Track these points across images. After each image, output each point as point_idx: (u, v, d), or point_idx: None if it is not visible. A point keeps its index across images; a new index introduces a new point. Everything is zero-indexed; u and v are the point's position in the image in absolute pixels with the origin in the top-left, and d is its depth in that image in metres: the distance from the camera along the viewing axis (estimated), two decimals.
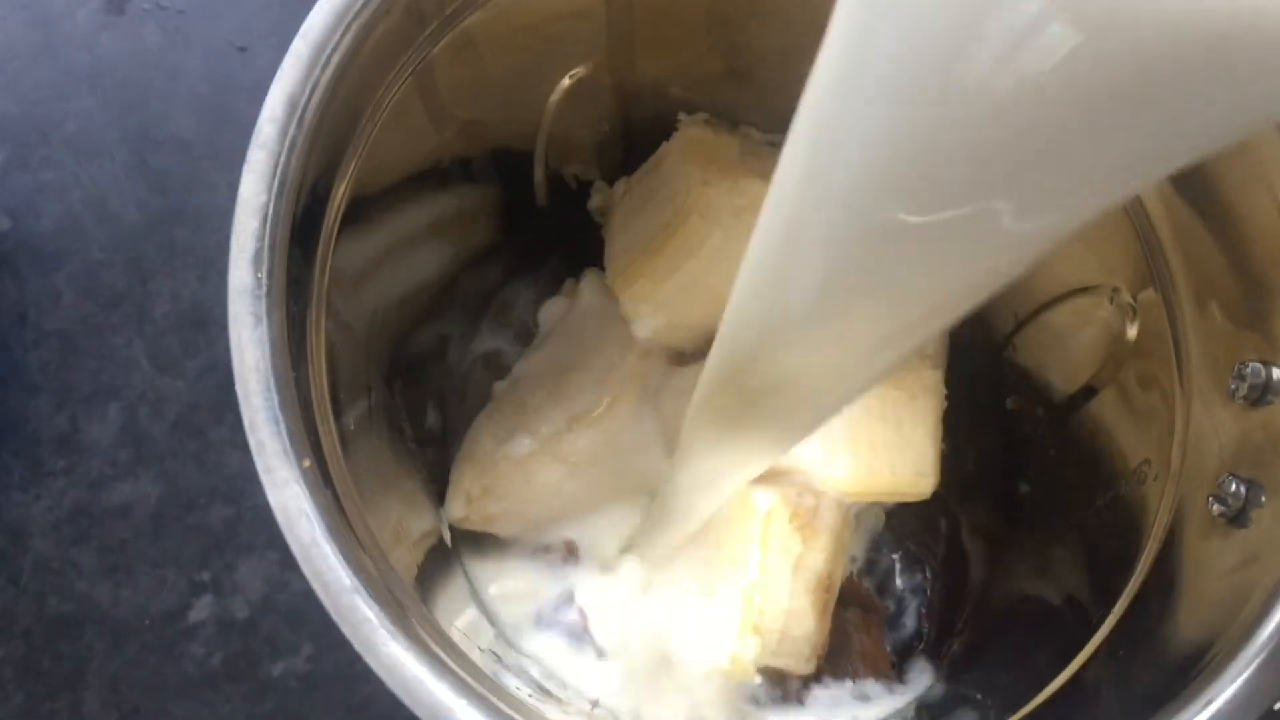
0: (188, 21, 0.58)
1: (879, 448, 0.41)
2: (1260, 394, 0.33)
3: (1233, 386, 0.34)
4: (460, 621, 0.39)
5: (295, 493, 0.28)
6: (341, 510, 0.30)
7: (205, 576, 0.53)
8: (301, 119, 0.30)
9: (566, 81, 0.42)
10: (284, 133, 0.30)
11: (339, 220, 0.33)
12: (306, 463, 0.29)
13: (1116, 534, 0.39)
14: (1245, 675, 0.28)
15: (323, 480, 0.29)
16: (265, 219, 0.30)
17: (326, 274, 0.33)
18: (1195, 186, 0.35)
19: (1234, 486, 0.33)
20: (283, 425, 0.29)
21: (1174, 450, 0.37)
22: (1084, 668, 0.35)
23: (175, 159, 0.57)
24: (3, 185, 0.56)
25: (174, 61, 0.57)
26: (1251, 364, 0.33)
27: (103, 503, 0.53)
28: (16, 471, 0.53)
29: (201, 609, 0.53)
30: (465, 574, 0.44)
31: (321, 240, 0.32)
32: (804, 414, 0.31)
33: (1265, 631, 0.28)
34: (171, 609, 0.53)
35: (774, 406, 0.30)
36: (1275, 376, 0.32)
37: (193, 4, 0.58)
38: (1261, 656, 0.28)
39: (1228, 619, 0.29)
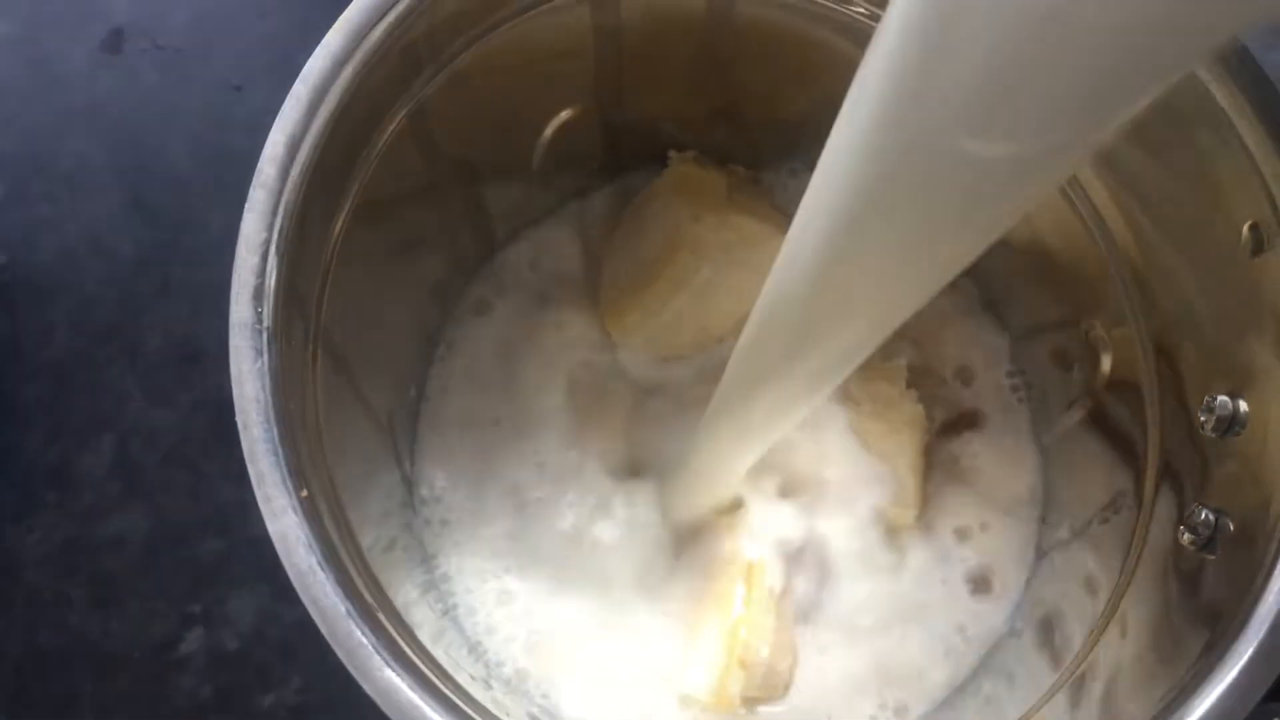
0: (184, 61, 0.59)
1: (862, 481, 0.43)
2: (1228, 426, 0.34)
3: (1202, 419, 0.35)
4: (446, 648, 0.40)
5: (293, 521, 0.29)
6: (334, 540, 0.30)
7: (196, 609, 0.53)
8: (301, 159, 0.31)
9: (557, 121, 0.43)
10: (284, 172, 0.31)
11: (335, 257, 0.34)
12: (304, 492, 0.30)
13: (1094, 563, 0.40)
14: (1213, 698, 0.28)
15: (317, 510, 0.30)
16: (265, 255, 0.31)
17: (324, 309, 0.34)
18: (1165, 222, 0.36)
19: (1204, 515, 0.34)
20: (281, 456, 0.30)
21: (1147, 482, 0.38)
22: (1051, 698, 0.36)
23: (170, 196, 0.57)
24: None
25: (170, 100, 0.58)
26: (1220, 397, 0.34)
27: (94, 535, 0.54)
28: (8, 503, 0.54)
29: (192, 641, 0.53)
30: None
31: (319, 276, 0.33)
32: (845, 357, 0.31)
33: (1234, 656, 0.29)
34: (162, 641, 0.53)
35: (821, 346, 0.31)
36: (1242, 409, 0.33)
37: (189, 44, 0.59)
38: (1230, 677, 0.28)
39: (1196, 646, 0.30)
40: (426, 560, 0.43)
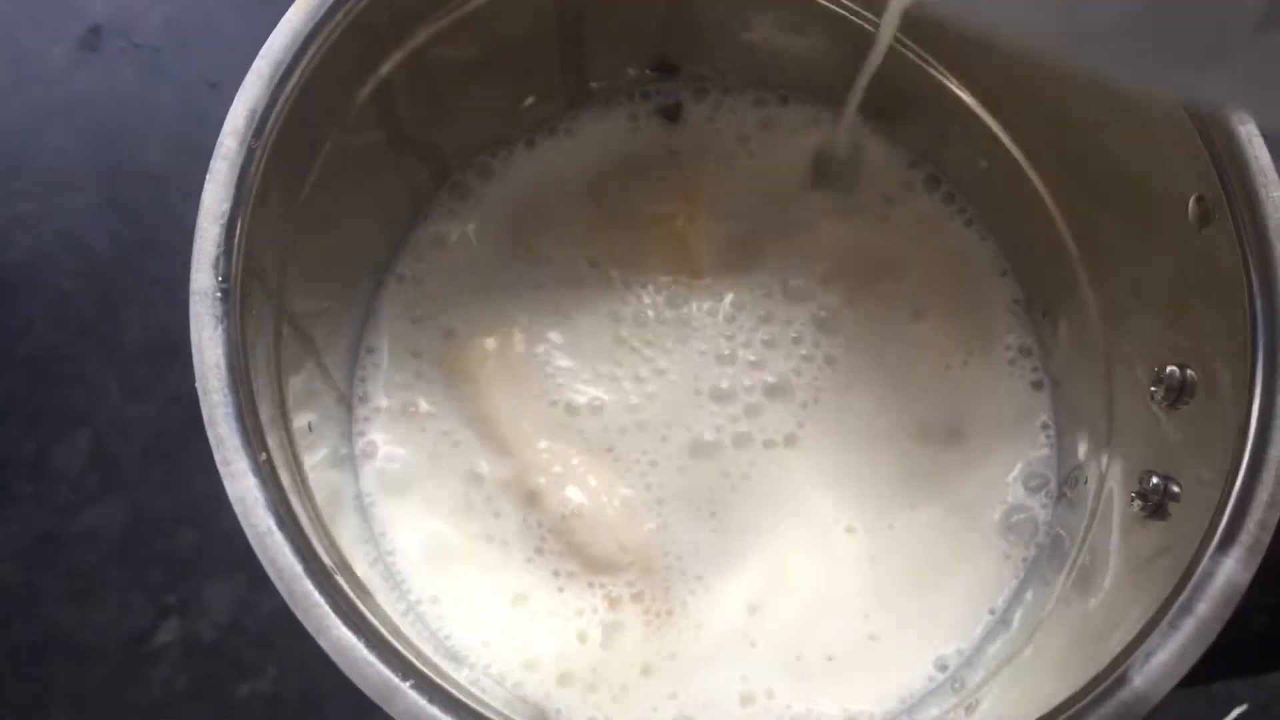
0: (161, 59, 0.59)
1: None
2: (1176, 396, 0.35)
3: (1153, 389, 0.36)
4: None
5: (251, 484, 0.30)
6: (292, 503, 0.31)
7: (171, 600, 0.54)
8: (261, 132, 0.32)
9: (523, 105, 0.44)
10: (244, 144, 0.32)
11: (297, 228, 0.35)
12: (263, 456, 0.30)
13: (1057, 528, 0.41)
14: (1160, 656, 0.29)
15: (276, 474, 0.30)
16: (225, 226, 0.31)
17: (285, 278, 0.34)
18: (1115, 195, 0.37)
19: (1154, 482, 0.35)
20: (239, 421, 0.30)
21: (1103, 452, 0.39)
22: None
23: (147, 192, 0.58)
24: None
25: (147, 97, 0.59)
26: (1169, 367, 0.35)
27: (70, 528, 0.54)
28: None
29: (167, 632, 0.53)
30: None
31: (278, 246, 0.34)
32: None
33: (1178, 615, 0.29)
34: (137, 632, 0.53)
35: None
36: (1190, 379, 0.34)
37: (167, 42, 0.59)
38: (1176, 637, 0.29)
39: (1147, 603, 0.31)
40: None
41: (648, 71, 0.45)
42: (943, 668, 0.40)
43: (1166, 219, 0.34)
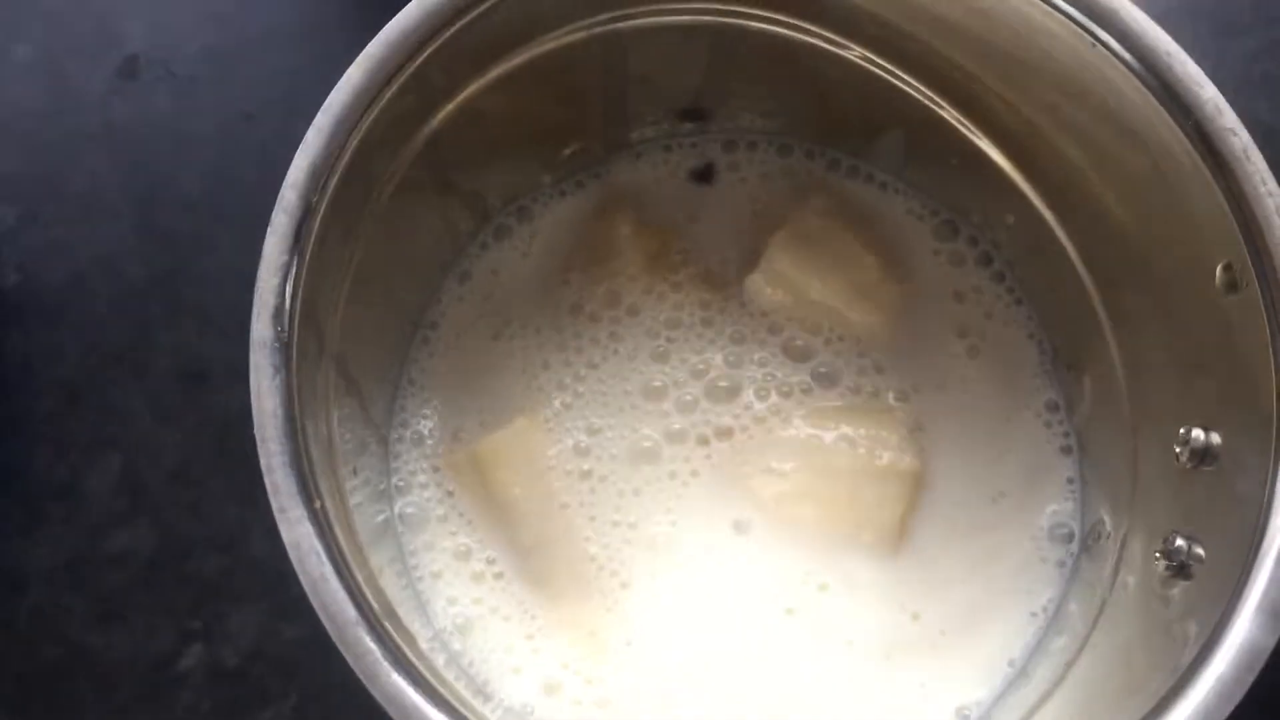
0: (197, 88, 0.60)
1: None
2: (1201, 458, 0.35)
3: (1178, 450, 0.36)
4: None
5: (307, 531, 0.30)
6: (344, 549, 0.32)
7: (197, 624, 0.54)
8: (321, 186, 0.33)
9: (564, 154, 0.45)
10: (305, 199, 0.33)
11: (349, 279, 0.36)
12: (317, 504, 0.31)
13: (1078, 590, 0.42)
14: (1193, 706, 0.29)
15: (329, 521, 0.31)
16: (285, 277, 0.32)
17: (336, 329, 0.35)
18: (1143, 261, 0.38)
19: (1178, 543, 0.35)
20: (295, 469, 0.31)
21: (1127, 511, 0.40)
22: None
23: (181, 219, 0.59)
24: (14, 241, 0.58)
25: (183, 126, 0.60)
26: (1195, 430, 0.36)
27: (99, 550, 0.55)
28: (16, 518, 0.55)
29: (191, 656, 0.54)
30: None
31: (333, 297, 0.35)
32: None
33: (1203, 675, 0.30)
34: (163, 656, 0.54)
35: None
36: (1215, 442, 0.35)
37: (202, 72, 0.60)
38: (1202, 694, 0.30)
39: (1169, 664, 0.31)
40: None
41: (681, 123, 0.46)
42: (963, 716, 0.41)
43: (1194, 285, 0.35)
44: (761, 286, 0.45)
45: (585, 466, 0.43)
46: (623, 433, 0.44)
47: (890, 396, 0.44)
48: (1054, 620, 0.41)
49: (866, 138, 0.45)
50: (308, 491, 0.31)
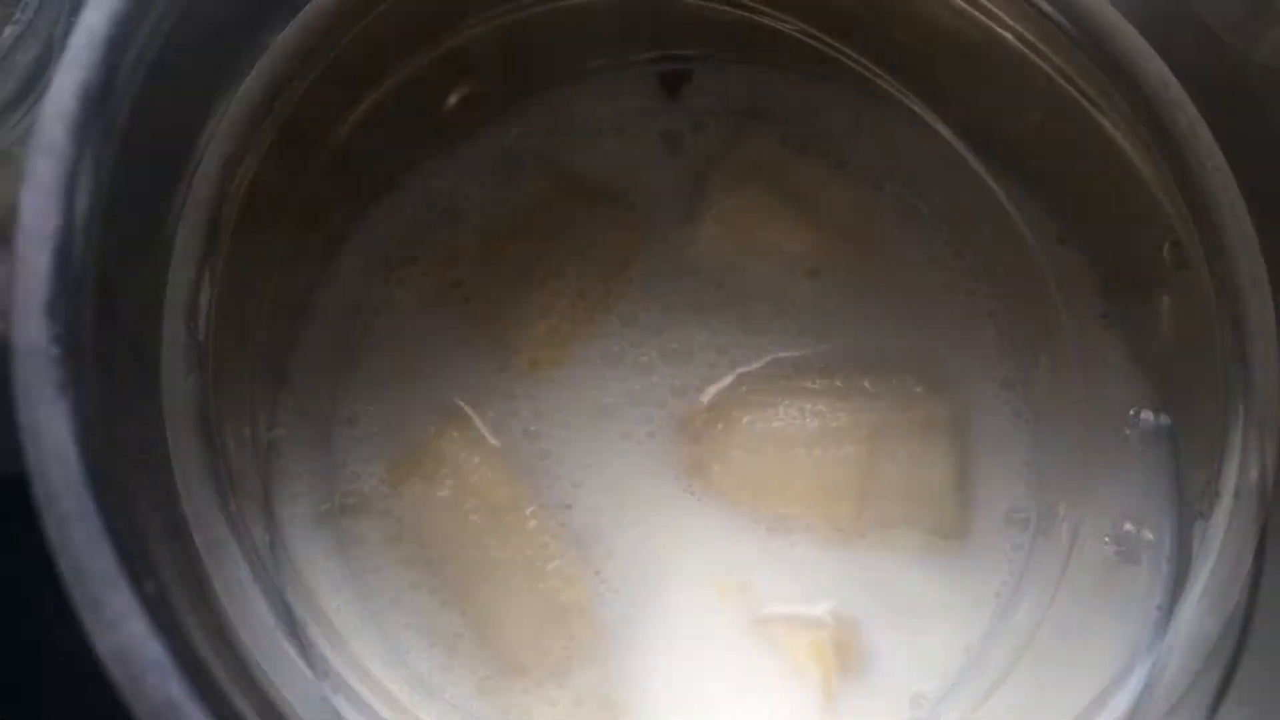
0: None
1: None
2: (1150, 440, 0.36)
3: (1127, 433, 0.37)
4: None
5: (139, 631, 0.19)
6: (201, 653, 0.20)
7: None
8: (107, 116, 0.22)
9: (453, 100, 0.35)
10: (80, 133, 0.22)
11: (182, 246, 0.25)
12: (149, 586, 0.20)
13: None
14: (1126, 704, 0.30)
15: (172, 609, 0.20)
16: (59, 250, 0.21)
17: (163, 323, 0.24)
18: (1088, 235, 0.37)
19: (1126, 526, 0.36)
20: (109, 536, 0.19)
21: (1080, 494, 0.37)
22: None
23: None
24: None
25: None
26: (1144, 412, 0.36)
27: None
28: None
29: None
30: None
31: (145, 278, 0.24)
32: None
33: (1151, 660, 0.31)
34: None
35: None
36: (1164, 422, 0.36)
37: None
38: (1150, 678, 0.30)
39: (1120, 649, 0.32)
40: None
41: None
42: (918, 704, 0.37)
43: (1145, 258, 0.34)
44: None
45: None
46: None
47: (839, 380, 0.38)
48: (1009, 604, 0.37)
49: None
50: (134, 568, 0.20)
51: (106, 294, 0.22)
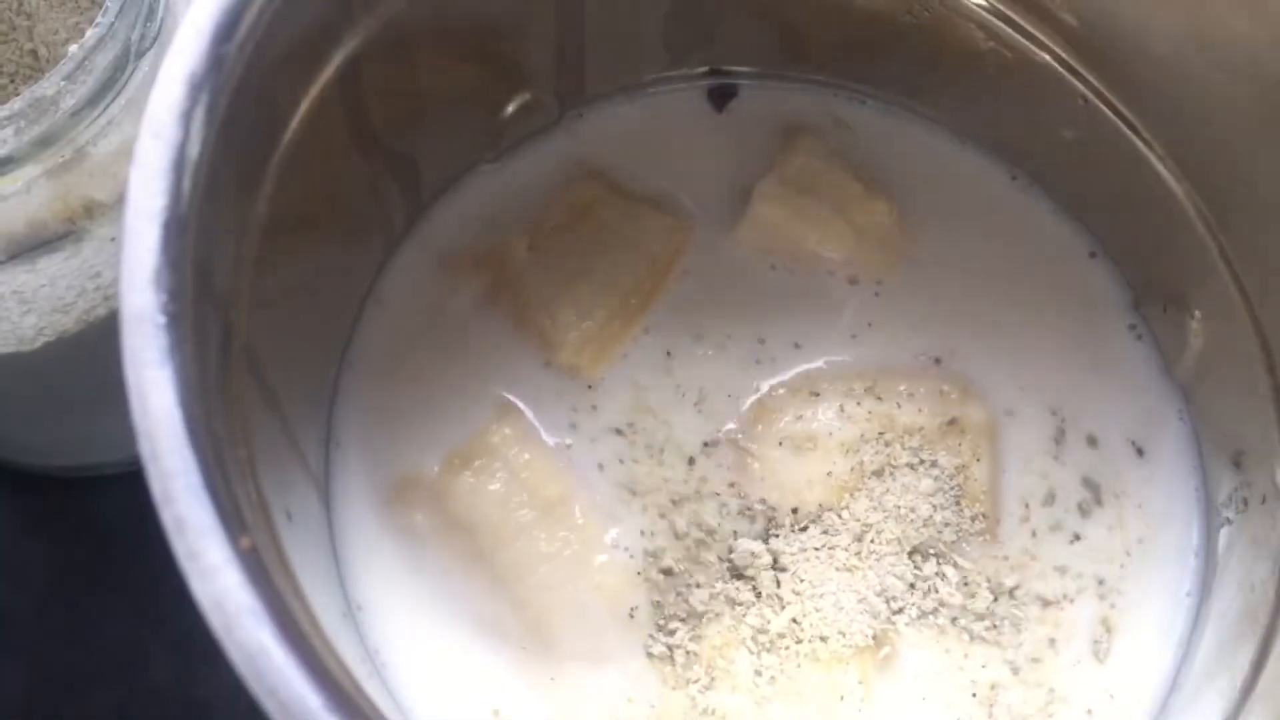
0: None
1: None
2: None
3: (1155, 440, 0.37)
4: None
5: (234, 582, 0.20)
6: (288, 604, 0.22)
7: None
8: (208, 103, 0.23)
9: (510, 109, 0.36)
10: (186, 118, 0.23)
11: (257, 244, 0.26)
12: (245, 541, 0.21)
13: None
14: None
15: (264, 565, 0.21)
16: (166, 225, 0.22)
17: (245, 315, 0.25)
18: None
19: None
20: (209, 492, 0.21)
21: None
22: None
23: None
24: None
25: None
26: (1172, 421, 0.37)
27: None
28: None
29: None
30: None
31: (235, 265, 0.25)
32: None
33: None
34: None
35: None
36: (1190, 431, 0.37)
37: None
38: None
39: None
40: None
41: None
42: None
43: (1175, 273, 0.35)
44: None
45: None
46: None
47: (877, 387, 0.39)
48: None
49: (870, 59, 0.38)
50: (230, 524, 0.21)
51: (204, 270, 0.23)
